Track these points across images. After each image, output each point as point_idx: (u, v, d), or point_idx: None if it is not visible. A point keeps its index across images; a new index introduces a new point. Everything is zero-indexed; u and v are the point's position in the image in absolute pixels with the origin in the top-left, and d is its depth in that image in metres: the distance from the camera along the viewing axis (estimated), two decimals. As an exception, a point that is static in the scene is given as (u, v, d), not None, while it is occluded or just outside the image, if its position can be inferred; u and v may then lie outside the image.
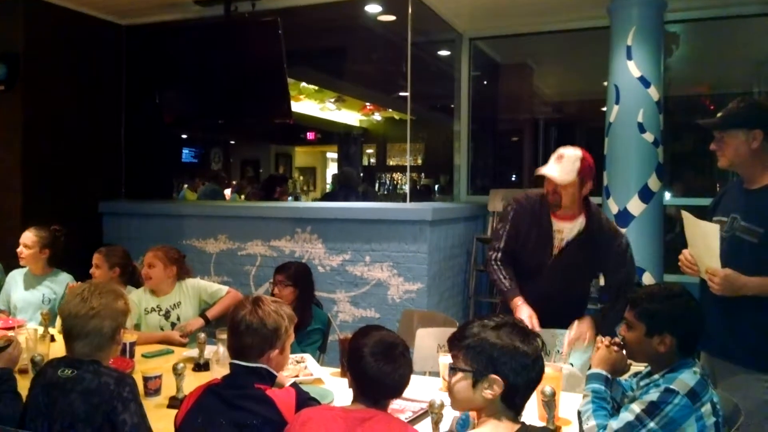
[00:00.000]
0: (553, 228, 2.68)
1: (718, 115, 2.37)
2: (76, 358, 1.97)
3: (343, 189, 6.25)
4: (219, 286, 3.57)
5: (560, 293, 2.68)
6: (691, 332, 1.94)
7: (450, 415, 2.08)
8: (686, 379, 1.87)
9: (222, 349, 2.61)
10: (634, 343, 1.99)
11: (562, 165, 2.61)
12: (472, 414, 2.03)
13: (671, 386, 1.85)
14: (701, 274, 2.32)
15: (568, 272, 2.67)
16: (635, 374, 2.16)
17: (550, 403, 1.98)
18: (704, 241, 2.24)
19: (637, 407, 1.85)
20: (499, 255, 2.80)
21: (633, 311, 2.00)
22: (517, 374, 1.54)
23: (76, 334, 1.98)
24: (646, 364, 2.07)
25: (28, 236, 3.68)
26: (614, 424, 1.85)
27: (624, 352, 2.06)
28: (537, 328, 2.54)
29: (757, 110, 2.33)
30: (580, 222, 2.67)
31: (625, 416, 1.85)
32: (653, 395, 1.85)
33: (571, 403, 2.32)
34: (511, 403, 1.56)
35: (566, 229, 2.67)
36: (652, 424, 1.80)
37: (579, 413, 1.97)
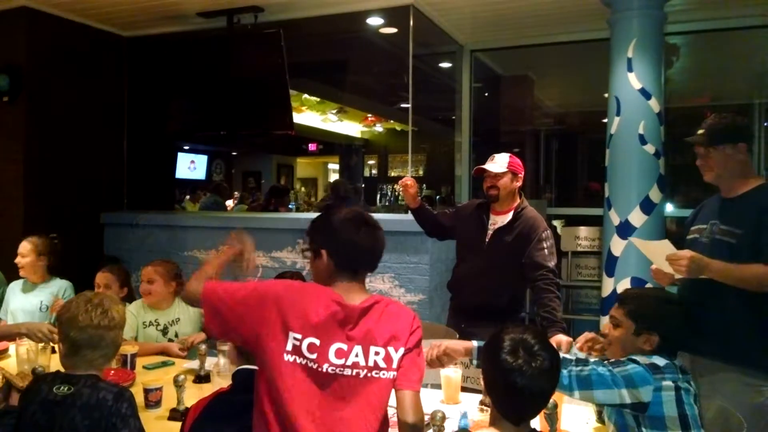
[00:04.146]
0: (490, 221, 3.26)
1: (701, 131, 2.49)
2: (71, 374, 1.94)
3: (339, 200, 6.19)
4: None
5: (492, 270, 3.17)
6: (675, 334, 2.02)
7: (451, 428, 2.08)
8: (653, 359, 1.96)
9: (223, 361, 2.61)
10: (620, 340, 2.08)
11: (496, 161, 3.22)
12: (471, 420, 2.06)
13: (633, 357, 1.97)
14: (675, 279, 2.49)
15: (497, 253, 3.18)
16: None
17: (552, 415, 1.98)
18: (662, 251, 2.40)
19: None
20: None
21: (622, 309, 2.09)
22: (491, 382, 1.61)
23: (93, 345, 1.97)
24: None
25: (24, 245, 3.70)
26: (587, 366, 1.94)
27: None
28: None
29: (740, 124, 2.49)
30: (510, 214, 3.21)
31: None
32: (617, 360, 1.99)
33: (573, 416, 2.31)
34: (504, 412, 1.58)
35: (499, 221, 3.23)
36: (615, 371, 1.90)
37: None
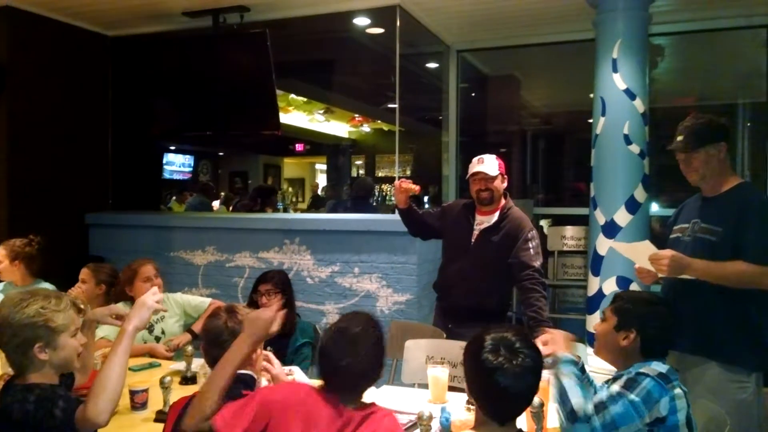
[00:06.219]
0: (475, 221, 3.25)
1: (680, 137, 2.49)
2: (14, 383, 1.82)
3: (357, 200, 6.16)
4: (202, 299, 3.57)
5: (478, 271, 3.19)
6: (656, 336, 2.03)
7: (439, 425, 2.08)
8: (655, 366, 1.96)
9: (209, 362, 2.59)
10: (602, 334, 2.11)
11: (488, 163, 3.19)
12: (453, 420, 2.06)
13: (641, 371, 1.94)
14: (658, 278, 2.52)
15: (484, 253, 3.19)
16: (606, 381, 2.19)
17: (538, 414, 1.98)
18: (644, 252, 2.43)
19: (616, 386, 1.92)
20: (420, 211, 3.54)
21: (611, 306, 2.12)
22: (474, 383, 1.58)
23: (17, 345, 1.81)
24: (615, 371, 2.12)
25: None
26: (599, 395, 1.92)
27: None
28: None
29: (717, 123, 2.50)
30: (496, 215, 3.22)
31: (608, 391, 1.92)
32: (627, 377, 1.95)
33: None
34: (489, 413, 1.57)
35: (485, 221, 3.23)
36: (632, 396, 1.87)
37: (561, 392, 1.95)
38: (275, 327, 1.90)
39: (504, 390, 1.50)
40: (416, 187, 3.29)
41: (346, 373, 1.72)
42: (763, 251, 2.27)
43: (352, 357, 1.72)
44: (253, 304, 3.18)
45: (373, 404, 1.77)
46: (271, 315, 1.88)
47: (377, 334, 1.81)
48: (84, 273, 3.47)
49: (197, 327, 3.36)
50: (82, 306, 1.95)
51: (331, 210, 7.39)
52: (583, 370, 2.03)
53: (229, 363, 1.79)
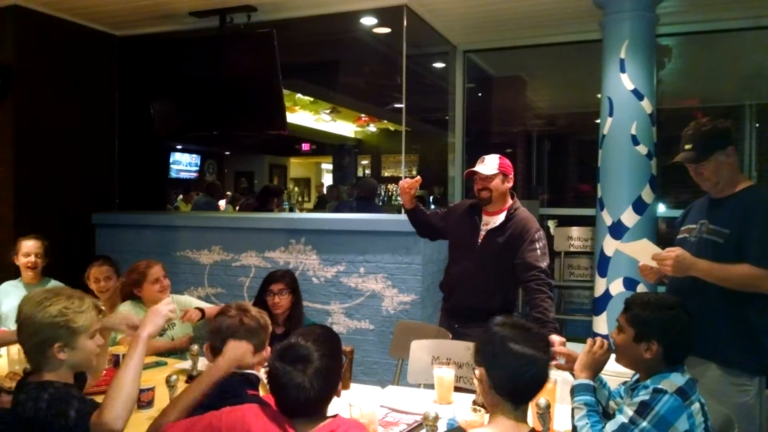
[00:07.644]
0: (482, 221, 3.26)
1: (687, 147, 2.47)
2: (27, 381, 1.84)
3: (361, 200, 6.17)
4: (207, 305, 3.63)
5: (484, 271, 3.19)
6: (679, 344, 1.97)
7: (445, 428, 2.08)
8: (674, 379, 1.91)
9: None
10: (621, 346, 2.04)
11: (486, 163, 3.21)
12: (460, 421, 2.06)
13: (659, 386, 1.89)
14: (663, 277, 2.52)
15: (490, 254, 3.19)
16: (624, 383, 2.18)
17: (545, 415, 1.98)
18: (646, 251, 2.43)
19: (629, 410, 1.88)
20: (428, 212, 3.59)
21: (625, 315, 2.05)
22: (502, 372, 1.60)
23: (36, 344, 1.84)
24: (633, 372, 2.09)
25: (38, 245, 3.76)
26: (608, 427, 1.88)
27: (609, 352, 2.11)
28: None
29: (722, 128, 2.47)
30: (502, 215, 3.21)
31: (619, 419, 1.88)
32: (643, 396, 1.89)
33: (565, 416, 2.31)
34: (515, 400, 1.61)
35: (491, 221, 3.24)
36: (644, 424, 1.83)
37: (575, 428, 1.97)
38: (251, 359, 1.95)
39: (532, 372, 1.60)
40: (414, 180, 3.30)
41: (298, 393, 1.56)
42: (766, 254, 2.26)
43: (303, 374, 1.57)
44: (263, 303, 3.18)
45: (335, 417, 1.65)
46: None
47: (330, 347, 1.66)
48: (107, 270, 3.64)
49: (209, 311, 3.40)
50: (102, 308, 1.98)
51: (333, 212, 7.39)
52: (595, 391, 2.03)
53: (201, 387, 1.83)
